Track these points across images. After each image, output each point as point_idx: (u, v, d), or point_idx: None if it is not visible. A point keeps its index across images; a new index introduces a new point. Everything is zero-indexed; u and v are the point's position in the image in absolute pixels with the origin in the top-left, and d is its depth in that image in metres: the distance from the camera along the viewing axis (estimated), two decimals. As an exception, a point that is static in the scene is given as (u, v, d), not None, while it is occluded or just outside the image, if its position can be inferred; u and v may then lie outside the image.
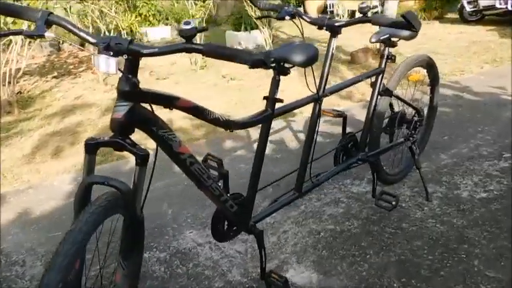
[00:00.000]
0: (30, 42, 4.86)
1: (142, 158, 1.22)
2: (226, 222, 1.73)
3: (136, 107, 1.22)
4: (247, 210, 1.74)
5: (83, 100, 4.88)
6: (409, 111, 2.50)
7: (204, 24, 6.55)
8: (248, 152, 3.23)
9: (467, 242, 2.09)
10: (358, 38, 5.84)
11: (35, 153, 3.51)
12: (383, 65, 2.17)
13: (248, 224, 1.73)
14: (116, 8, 5.23)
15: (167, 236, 2.29)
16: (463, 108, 3.86)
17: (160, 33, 8.57)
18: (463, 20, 8.74)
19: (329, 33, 1.89)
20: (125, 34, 5.20)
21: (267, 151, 3.29)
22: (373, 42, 2.07)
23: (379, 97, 2.26)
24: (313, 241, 2.17)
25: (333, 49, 1.87)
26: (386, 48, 2.16)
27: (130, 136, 1.24)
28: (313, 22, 1.81)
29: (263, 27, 6.21)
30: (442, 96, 4.14)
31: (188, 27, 1.10)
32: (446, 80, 4.77)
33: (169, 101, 1.31)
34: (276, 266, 2.02)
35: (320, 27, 1.80)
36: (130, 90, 1.19)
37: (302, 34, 1.75)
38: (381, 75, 2.18)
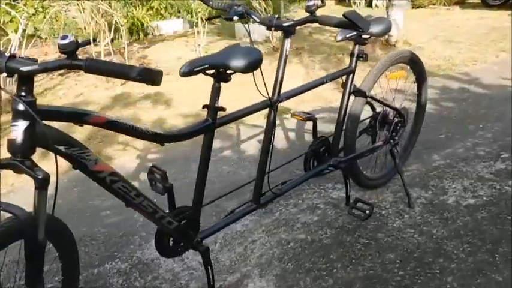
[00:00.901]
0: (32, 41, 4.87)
1: (40, 181, 1.13)
2: (171, 238, 1.64)
3: (36, 126, 1.13)
4: (192, 226, 1.63)
5: (83, 98, 4.85)
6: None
7: (207, 16, 6.43)
8: (234, 153, 3.12)
9: (444, 255, 1.93)
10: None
11: (24, 155, 3.49)
12: (353, 64, 2.02)
13: (193, 240, 1.63)
14: (115, 4, 5.16)
15: (133, 245, 2.21)
16: (467, 102, 3.63)
17: (172, 27, 8.48)
18: (486, 4, 8.31)
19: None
20: (123, 31, 5.12)
21: (253, 151, 3.20)
22: (339, 41, 1.92)
23: (355, 98, 2.13)
24: (280, 252, 2.05)
25: (286, 50, 1.73)
26: (356, 46, 2.01)
27: (31, 157, 1.16)
28: (262, 22, 1.68)
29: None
30: (446, 90, 3.94)
31: (66, 41, 1.00)
32: (455, 71, 4.53)
33: (77, 117, 1.21)
34: (236, 279, 1.91)
35: (269, 28, 1.67)
36: (24, 109, 1.10)
37: (249, 36, 1.62)
38: (351, 75, 2.03)
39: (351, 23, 1.38)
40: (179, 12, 8.81)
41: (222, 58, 1.47)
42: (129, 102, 4.54)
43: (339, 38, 1.90)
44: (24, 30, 4.38)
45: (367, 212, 2.10)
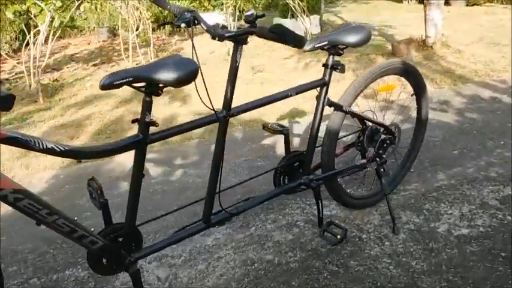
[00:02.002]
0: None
1: None
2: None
3: None
4: (127, 244, 1.55)
5: (107, 90, 4.91)
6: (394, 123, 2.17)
7: (246, 11, 6.30)
8: (235, 157, 3.00)
9: (415, 293, 1.73)
10: (417, 24, 5.44)
11: (34, 147, 3.55)
12: (327, 76, 1.84)
13: (124, 260, 1.54)
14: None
15: (99, 251, 2.16)
16: (494, 115, 3.30)
17: (214, 19, 8.40)
18: (550, 3, 7.65)
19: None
20: (149, 24, 5.12)
21: (251, 156, 3.06)
22: (307, 51, 1.75)
23: (333, 112, 1.96)
24: (241, 273, 1.92)
25: (236, 62, 1.59)
26: (331, 56, 1.83)
27: None
28: (208, 30, 1.55)
29: (301, 15, 5.83)
30: (475, 99, 3.63)
31: None
32: (491, 78, 4.16)
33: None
34: (188, 300, 1.82)
35: (213, 37, 1.54)
36: None
37: (193, 45, 1.50)
38: (325, 88, 1.85)
39: (280, 37, 1.23)
40: (222, 4, 8.76)
41: (150, 70, 1.36)
42: (146, 98, 4.54)
43: (307, 48, 1.73)
44: (51, 22, 4.47)
45: (339, 236, 1.93)
